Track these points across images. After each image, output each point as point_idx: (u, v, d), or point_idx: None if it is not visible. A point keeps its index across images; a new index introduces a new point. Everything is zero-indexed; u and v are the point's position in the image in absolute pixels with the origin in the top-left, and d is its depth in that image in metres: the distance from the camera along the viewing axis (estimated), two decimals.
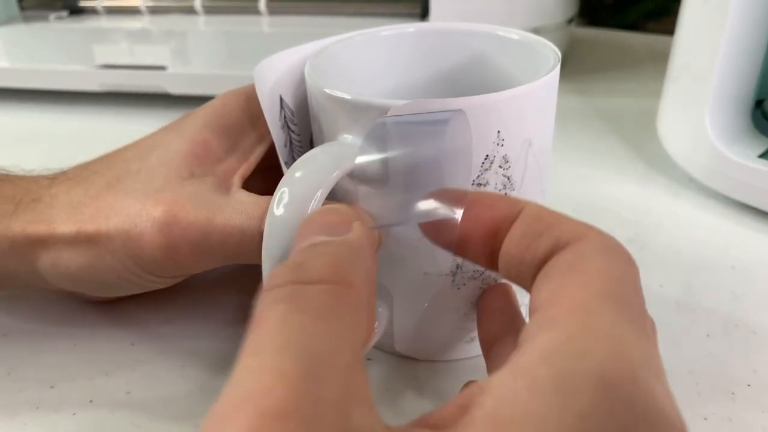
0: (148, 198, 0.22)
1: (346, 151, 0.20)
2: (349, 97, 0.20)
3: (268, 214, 0.18)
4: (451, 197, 0.18)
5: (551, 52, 0.23)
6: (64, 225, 0.23)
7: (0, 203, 0.24)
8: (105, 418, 0.23)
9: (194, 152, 0.24)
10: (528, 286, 0.17)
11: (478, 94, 0.19)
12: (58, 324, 0.28)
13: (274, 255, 0.18)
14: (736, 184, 0.34)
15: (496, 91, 0.20)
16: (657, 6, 0.79)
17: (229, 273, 0.30)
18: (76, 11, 0.64)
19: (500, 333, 0.21)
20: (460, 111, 0.19)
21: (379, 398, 0.23)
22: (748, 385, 0.23)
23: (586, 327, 0.13)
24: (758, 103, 0.36)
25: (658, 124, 0.39)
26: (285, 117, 0.24)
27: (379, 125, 0.20)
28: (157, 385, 0.24)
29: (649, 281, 0.29)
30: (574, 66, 0.58)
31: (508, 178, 0.21)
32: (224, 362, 0.25)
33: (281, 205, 0.18)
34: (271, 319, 0.13)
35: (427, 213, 0.19)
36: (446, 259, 0.22)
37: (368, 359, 0.25)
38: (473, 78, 0.27)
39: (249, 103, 0.26)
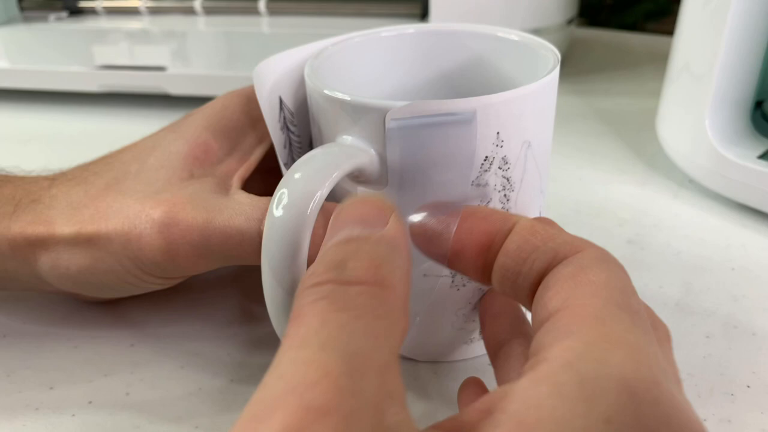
0: (148, 199, 0.22)
1: (345, 153, 0.20)
2: (349, 99, 0.20)
3: (267, 215, 0.18)
4: (443, 211, 0.18)
5: (551, 54, 0.23)
6: (64, 226, 0.23)
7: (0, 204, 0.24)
8: (104, 420, 0.23)
9: (194, 154, 0.24)
10: (524, 299, 0.17)
11: (478, 95, 0.19)
12: (58, 325, 0.28)
13: (274, 256, 0.18)
14: (735, 185, 0.34)
15: (495, 92, 0.20)
16: (657, 6, 0.79)
17: (228, 274, 0.30)
18: (76, 12, 0.64)
19: (507, 336, 0.21)
20: (468, 112, 0.19)
21: None
22: (748, 387, 0.23)
23: (603, 335, 0.13)
24: (758, 104, 0.36)
25: (658, 125, 0.39)
26: (284, 118, 0.24)
27: (378, 126, 0.20)
28: (157, 386, 0.24)
29: (649, 282, 0.29)
30: (574, 66, 0.58)
31: (508, 180, 0.21)
32: (223, 363, 0.25)
33: (280, 207, 0.18)
34: (312, 315, 0.13)
35: (420, 225, 0.19)
36: None
37: None
38: (473, 79, 0.27)
39: (249, 105, 0.26)
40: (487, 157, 0.20)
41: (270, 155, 0.26)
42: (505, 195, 0.21)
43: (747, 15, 0.31)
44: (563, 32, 0.53)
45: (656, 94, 0.40)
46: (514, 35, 0.25)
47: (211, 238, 0.22)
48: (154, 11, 0.62)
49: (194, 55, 0.54)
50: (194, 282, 0.29)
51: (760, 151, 0.34)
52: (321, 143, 0.23)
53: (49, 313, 0.28)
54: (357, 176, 0.21)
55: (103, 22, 0.62)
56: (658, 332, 0.17)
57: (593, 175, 0.39)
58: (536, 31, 0.49)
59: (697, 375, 0.24)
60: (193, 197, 0.22)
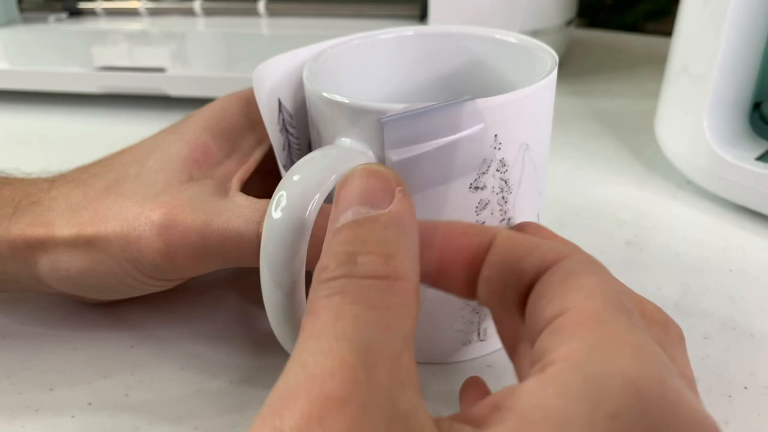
0: (147, 201, 0.22)
1: (344, 155, 0.20)
2: (347, 101, 0.20)
3: (266, 217, 0.18)
4: (423, 231, 0.17)
5: (549, 56, 0.23)
6: (63, 228, 0.23)
7: None
8: (104, 421, 0.23)
9: (193, 156, 0.24)
10: (513, 310, 0.17)
11: (477, 97, 0.19)
12: (57, 327, 0.28)
13: (272, 258, 0.18)
14: (733, 187, 0.34)
15: (494, 94, 0.20)
16: (657, 7, 0.79)
17: (227, 276, 0.30)
18: (76, 13, 0.64)
19: (521, 336, 0.20)
20: (470, 113, 0.19)
21: None
22: (745, 388, 0.23)
23: (605, 336, 0.13)
24: (756, 106, 0.36)
25: (657, 126, 0.39)
26: (283, 120, 0.24)
27: (376, 129, 0.20)
28: (156, 387, 0.24)
29: (647, 283, 0.29)
30: (573, 67, 0.58)
31: (506, 182, 0.21)
32: (223, 365, 0.25)
33: (279, 209, 0.18)
34: (327, 308, 0.14)
35: None
36: None
37: None
38: (471, 81, 0.27)
39: (248, 107, 0.26)
40: (485, 159, 0.20)
41: (269, 157, 0.26)
42: (503, 197, 0.22)
43: (745, 16, 0.32)
44: (562, 33, 0.53)
45: (655, 95, 0.40)
46: (512, 37, 0.25)
47: (210, 240, 0.22)
48: (153, 12, 0.62)
49: (194, 57, 0.54)
50: (193, 284, 0.29)
51: (758, 152, 0.34)
52: (320, 145, 0.23)
53: (49, 314, 0.28)
54: None
55: (103, 24, 0.62)
56: (670, 333, 0.17)
57: (592, 177, 0.39)
58: (535, 33, 0.49)
59: (695, 376, 0.24)
60: (192, 199, 0.22)
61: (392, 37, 0.27)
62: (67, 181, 0.25)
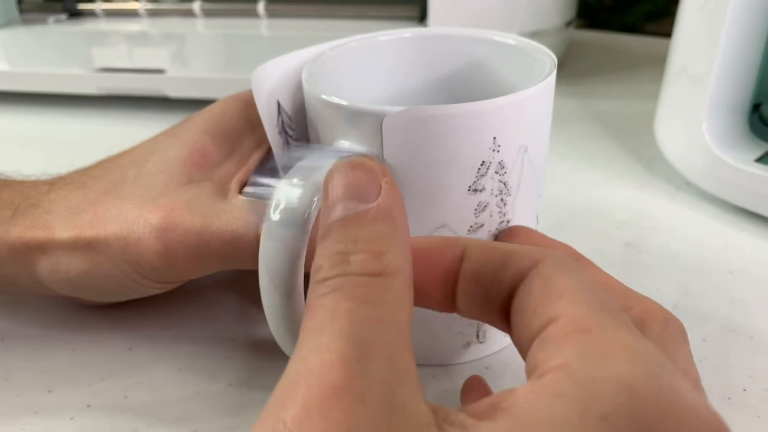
0: (146, 204, 0.22)
1: (343, 157, 0.20)
2: (346, 103, 0.20)
3: (264, 219, 0.18)
4: None
5: (548, 58, 0.23)
6: (63, 231, 0.23)
7: None
8: (103, 423, 0.23)
9: (192, 159, 0.24)
10: (498, 320, 0.17)
11: (476, 99, 0.19)
12: (56, 329, 0.28)
13: (271, 260, 0.18)
14: (733, 188, 0.34)
15: (493, 96, 0.20)
16: (656, 7, 0.79)
17: (226, 278, 0.30)
18: (75, 14, 0.64)
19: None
20: (455, 117, 0.19)
21: None
22: (744, 390, 0.23)
23: (595, 344, 0.14)
24: (755, 107, 0.36)
25: (656, 128, 0.39)
26: (282, 122, 0.24)
27: (375, 131, 0.20)
28: (155, 389, 0.24)
29: (646, 285, 0.29)
30: (572, 68, 0.58)
31: (504, 184, 0.21)
32: (222, 367, 0.25)
33: (278, 211, 0.18)
34: (324, 307, 0.14)
35: None
36: None
37: None
38: (471, 83, 0.27)
39: (247, 109, 0.26)
40: (483, 161, 0.20)
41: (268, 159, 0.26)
42: (502, 199, 0.22)
43: (745, 17, 0.32)
44: (562, 34, 0.53)
45: (654, 96, 0.40)
46: (511, 39, 0.25)
47: (208, 243, 0.22)
48: (153, 13, 0.62)
49: (193, 58, 0.54)
50: (192, 286, 0.29)
51: (758, 154, 0.34)
52: None
53: (48, 316, 0.28)
54: None
55: (102, 25, 0.62)
56: (672, 330, 0.17)
57: (591, 178, 0.39)
58: (535, 34, 0.49)
59: None
60: (191, 202, 0.22)
61: (391, 39, 0.27)
62: (66, 184, 0.25)
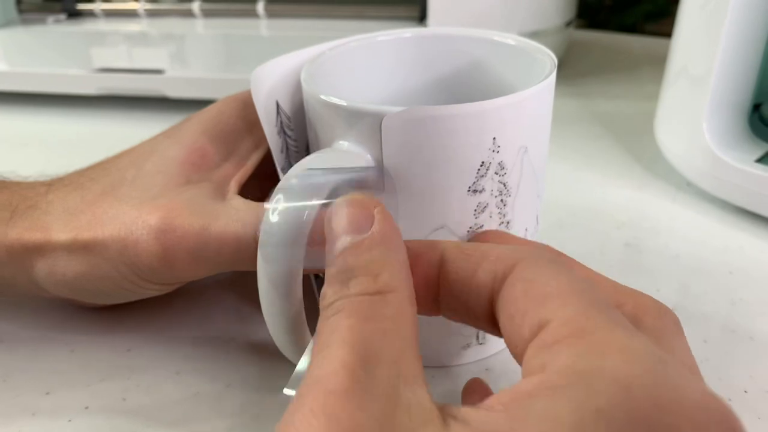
0: (144, 205, 0.22)
1: (342, 158, 0.20)
2: (345, 104, 0.20)
3: (263, 221, 0.18)
4: None
5: (548, 58, 0.23)
6: (61, 232, 0.23)
7: None
8: (101, 425, 0.23)
9: (191, 160, 0.24)
10: (482, 324, 0.17)
11: (476, 99, 0.19)
12: (54, 330, 0.28)
13: (270, 262, 0.18)
14: (733, 189, 0.34)
15: (493, 96, 0.20)
16: (656, 7, 0.79)
17: (225, 279, 0.30)
18: (75, 14, 0.64)
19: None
20: (455, 118, 0.19)
21: None
22: (745, 392, 0.23)
23: (590, 346, 0.14)
24: (755, 108, 0.36)
25: (656, 128, 0.39)
26: (281, 123, 0.24)
27: (374, 132, 0.20)
28: (153, 391, 0.24)
29: (646, 285, 0.29)
30: (572, 69, 0.58)
31: (504, 185, 0.21)
32: (220, 368, 0.25)
33: (277, 212, 0.18)
34: (329, 326, 0.15)
35: None
36: None
37: None
38: (470, 83, 0.27)
39: (246, 110, 0.26)
40: (483, 162, 0.20)
41: (267, 160, 0.26)
42: (501, 200, 0.21)
43: (745, 17, 0.31)
44: (562, 34, 0.53)
45: (655, 96, 0.40)
46: (511, 39, 0.25)
47: (207, 244, 0.22)
48: (152, 14, 0.62)
49: (192, 58, 0.54)
50: (191, 287, 0.29)
51: (758, 154, 0.34)
52: (318, 148, 0.23)
53: (46, 317, 0.28)
54: (353, 182, 0.21)
55: (102, 25, 0.62)
56: (666, 321, 0.17)
57: (591, 178, 0.39)
58: (535, 34, 0.49)
59: None
60: (189, 203, 0.22)
61: (391, 39, 0.27)
62: (64, 185, 0.25)
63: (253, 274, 0.19)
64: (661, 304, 0.18)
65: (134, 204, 0.23)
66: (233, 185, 0.24)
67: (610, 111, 0.49)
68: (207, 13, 0.61)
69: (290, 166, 0.24)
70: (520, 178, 0.22)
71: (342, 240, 0.17)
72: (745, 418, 0.22)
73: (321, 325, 0.16)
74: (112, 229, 0.22)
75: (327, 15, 0.59)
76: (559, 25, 0.52)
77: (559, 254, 0.21)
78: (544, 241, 0.22)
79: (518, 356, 0.15)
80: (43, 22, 0.63)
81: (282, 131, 0.24)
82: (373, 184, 0.21)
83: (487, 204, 0.21)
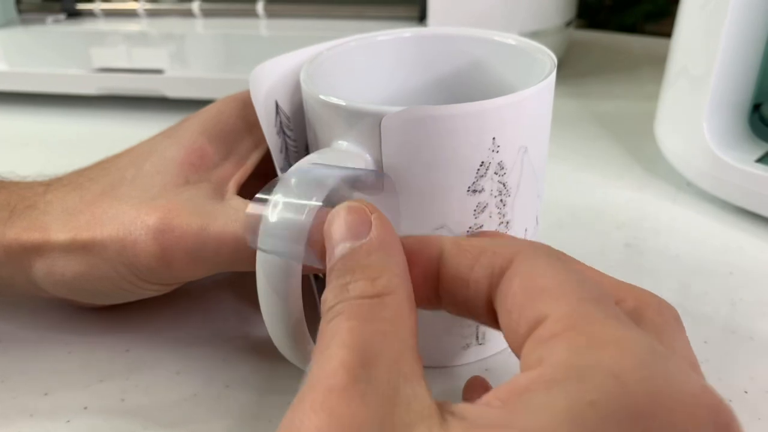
0: (143, 205, 0.22)
1: (341, 158, 0.20)
2: (344, 104, 0.20)
3: (262, 221, 0.18)
4: None
5: (548, 58, 0.23)
6: (59, 232, 0.23)
7: None
8: (100, 425, 0.23)
9: (190, 160, 0.24)
10: (482, 318, 0.17)
11: (476, 99, 0.19)
12: (53, 331, 0.28)
13: (269, 263, 0.18)
14: (733, 189, 0.33)
15: (493, 96, 0.19)
16: (656, 7, 0.79)
17: (224, 280, 0.30)
18: (74, 14, 0.64)
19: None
20: (455, 118, 0.19)
21: None
22: (745, 393, 0.23)
23: (585, 340, 0.14)
24: (755, 108, 0.36)
25: (656, 128, 0.39)
26: (281, 123, 0.24)
27: (374, 131, 0.20)
28: (152, 391, 0.24)
29: (646, 285, 0.29)
30: (572, 69, 0.58)
31: (504, 185, 0.21)
32: (219, 369, 0.25)
33: (276, 212, 0.18)
34: (329, 329, 0.15)
35: None
36: None
37: None
38: (470, 83, 0.27)
39: (245, 110, 0.25)
40: (483, 162, 0.20)
41: (266, 160, 0.26)
42: (501, 200, 0.21)
43: (745, 17, 0.31)
44: (562, 34, 0.53)
45: (655, 96, 0.40)
46: (511, 39, 0.25)
47: (206, 245, 0.22)
48: (152, 14, 0.62)
49: (192, 58, 0.54)
50: (190, 287, 0.29)
51: (758, 154, 0.34)
52: (317, 148, 0.23)
53: (45, 318, 0.28)
54: (353, 182, 0.21)
55: (101, 25, 0.62)
56: (665, 316, 0.17)
57: (591, 179, 0.39)
58: (535, 34, 0.49)
59: None
60: (188, 203, 0.22)
61: (390, 38, 0.27)
62: (62, 185, 0.25)
63: (252, 275, 0.19)
64: (662, 299, 0.18)
65: (133, 204, 0.23)
66: (232, 185, 0.24)
67: (610, 111, 0.49)
68: (207, 13, 0.61)
69: (289, 166, 0.24)
70: (519, 178, 0.21)
71: (341, 246, 0.17)
72: (745, 418, 0.22)
73: (322, 328, 0.16)
74: (110, 229, 0.22)
75: (326, 15, 0.59)
76: (559, 25, 0.52)
77: (559, 253, 0.20)
78: (544, 242, 0.22)
79: (517, 351, 0.16)
80: (42, 22, 0.63)
81: (281, 131, 0.24)
82: (372, 184, 0.20)
83: (487, 204, 0.21)
